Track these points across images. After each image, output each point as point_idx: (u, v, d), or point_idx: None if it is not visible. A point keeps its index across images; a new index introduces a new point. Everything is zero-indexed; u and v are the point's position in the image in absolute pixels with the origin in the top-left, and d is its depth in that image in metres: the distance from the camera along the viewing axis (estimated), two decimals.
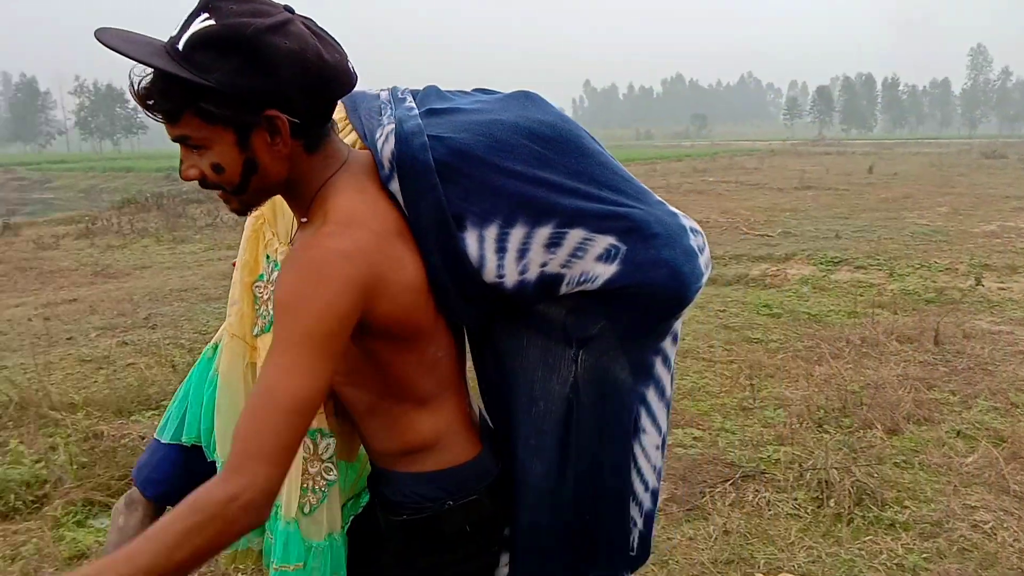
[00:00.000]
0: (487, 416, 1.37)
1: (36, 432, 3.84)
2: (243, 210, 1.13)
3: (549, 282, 1.19)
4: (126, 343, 5.91)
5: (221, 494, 0.91)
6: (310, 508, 1.27)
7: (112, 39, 0.98)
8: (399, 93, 1.28)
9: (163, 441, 1.40)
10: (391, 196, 1.15)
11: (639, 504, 1.35)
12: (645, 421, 1.31)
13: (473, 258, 1.15)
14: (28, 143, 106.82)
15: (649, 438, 1.32)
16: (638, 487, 1.34)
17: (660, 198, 1.28)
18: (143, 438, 3.71)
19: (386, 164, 1.15)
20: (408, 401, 1.20)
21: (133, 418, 4.17)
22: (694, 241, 1.26)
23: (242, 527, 0.93)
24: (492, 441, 1.32)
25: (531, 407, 1.26)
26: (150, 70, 0.98)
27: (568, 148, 1.20)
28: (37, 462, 3.53)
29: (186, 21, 1.00)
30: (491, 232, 1.15)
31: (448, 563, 1.25)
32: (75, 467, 3.41)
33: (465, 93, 1.31)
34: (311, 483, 1.27)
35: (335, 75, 1.05)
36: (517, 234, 1.16)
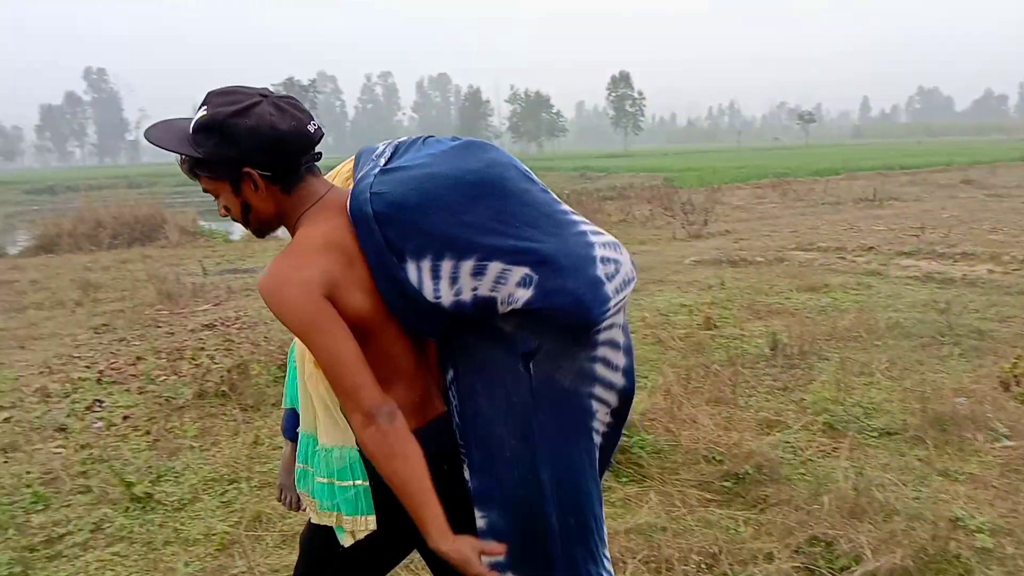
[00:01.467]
0: (458, 418, 1.57)
1: None
2: (257, 234, 1.56)
3: (484, 302, 1.45)
4: None
5: (358, 431, 1.42)
6: (334, 451, 1.56)
7: (154, 134, 1.48)
8: (382, 149, 1.59)
9: (286, 407, 1.84)
10: None
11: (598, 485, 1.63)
12: (599, 408, 1.59)
13: (413, 283, 1.44)
14: None
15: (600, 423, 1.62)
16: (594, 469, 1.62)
17: (584, 229, 1.51)
18: None
19: (350, 206, 1.48)
20: None
21: None
22: (602, 270, 1.48)
23: (383, 436, 1.39)
24: (439, 426, 1.58)
25: (511, 416, 1.52)
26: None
27: (490, 193, 1.46)
28: None
29: (197, 111, 1.44)
30: (425, 264, 1.44)
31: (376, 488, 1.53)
32: None
33: (423, 143, 1.59)
34: (331, 423, 1.56)
35: (288, 139, 1.41)
36: (447, 265, 1.43)
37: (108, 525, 3.32)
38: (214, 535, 3.21)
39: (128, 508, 3.45)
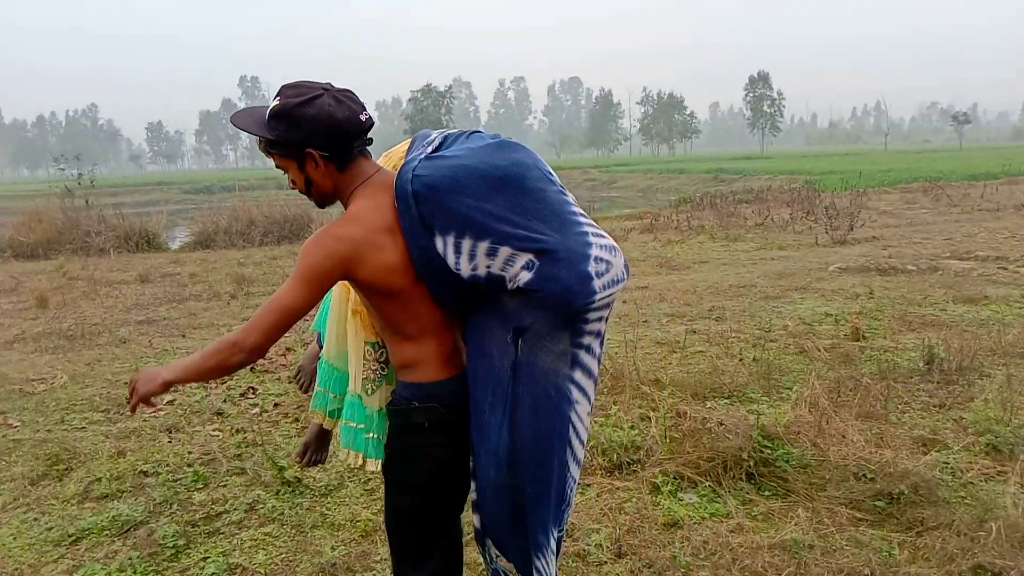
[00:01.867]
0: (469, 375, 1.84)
1: (630, 402, 4.26)
2: (319, 205, 1.86)
3: (496, 278, 1.71)
4: (694, 331, 6.25)
5: (232, 338, 1.66)
6: (371, 390, 1.92)
7: (239, 119, 1.80)
8: (434, 137, 1.88)
9: (314, 330, 2.22)
10: None
11: (577, 463, 1.86)
12: (577, 394, 1.78)
13: (440, 252, 1.72)
14: (599, 148, 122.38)
15: (582, 407, 1.81)
16: (576, 447, 1.83)
17: (586, 230, 1.74)
18: (721, 424, 3.82)
19: (396, 183, 1.77)
20: (398, 334, 1.83)
21: (709, 404, 4.36)
22: (593, 267, 1.70)
23: (234, 364, 1.67)
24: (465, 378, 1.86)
25: (493, 383, 1.77)
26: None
27: (510, 187, 1.72)
28: (632, 428, 3.91)
29: (272, 100, 1.75)
30: (450, 239, 1.71)
31: (412, 445, 1.87)
32: (667, 440, 3.66)
33: (468, 137, 1.87)
34: (370, 374, 1.92)
35: (343, 126, 1.71)
36: (466, 243, 1.70)
37: (261, 506, 3.51)
38: (358, 521, 3.33)
39: (279, 491, 3.64)
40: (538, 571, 1.84)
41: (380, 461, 1.92)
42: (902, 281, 8.19)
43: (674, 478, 3.44)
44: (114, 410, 5.02)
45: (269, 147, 1.77)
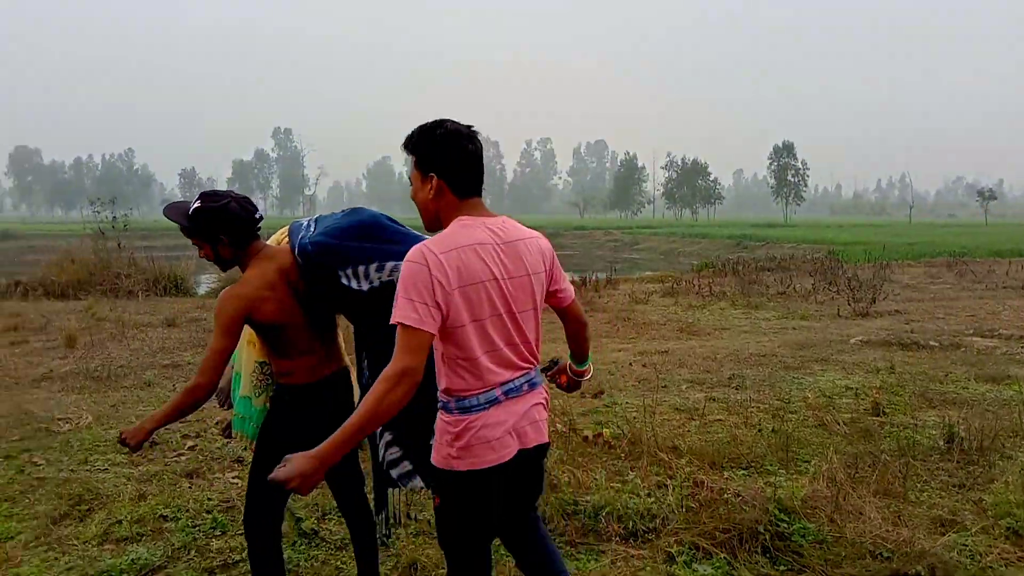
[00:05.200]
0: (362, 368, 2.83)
1: (647, 468, 4.27)
2: (223, 269, 2.86)
3: (387, 283, 2.61)
4: (713, 399, 6.25)
5: (190, 385, 2.54)
6: (258, 394, 2.89)
7: (171, 212, 2.77)
8: (307, 223, 2.85)
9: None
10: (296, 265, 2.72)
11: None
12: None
13: (346, 284, 2.66)
14: (623, 210, 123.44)
15: None
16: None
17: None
18: (738, 495, 3.82)
19: (296, 254, 2.71)
20: (279, 355, 2.76)
21: (726, 474, 4.36)
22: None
23: (199, 400, 2.55)
24: (330, 380, 2.85)
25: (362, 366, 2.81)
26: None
27: (373, 229, 2.74)
28: (649, 496, 3.91)
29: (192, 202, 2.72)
30: (348, 271, 2.65)
31: (290, 414, 2.79)
32: (683, 510, 3.67)
33: (329, 216, 2.87)
34: (256, 383, 2.89)
35: (243, 221, 2.69)
36: (362, 269, 2.65)
37: None
38: None
39: (296, 542, 3.67)
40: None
41: (251, 440, 2.90)
42: (924, 356, 8.15)
43: (690, 548, 3.44)
44: (136, 453, 5.09)
45: (191, 233, 2.67)
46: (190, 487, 4.45)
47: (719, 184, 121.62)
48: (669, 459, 4.40)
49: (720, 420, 5.62)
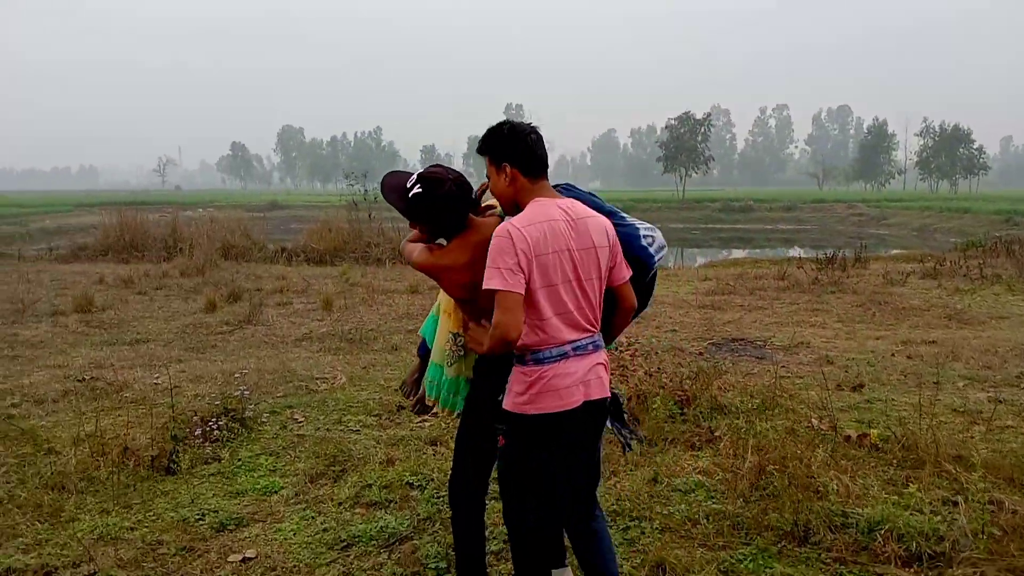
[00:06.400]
0: None
1: (929, 480, 3.71)
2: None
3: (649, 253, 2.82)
4: (1000, 400, 5.40)
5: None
6: (449, 363, 2.79)
7: (387, 187, 2.73)
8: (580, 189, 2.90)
9: (421, 334, 3.05)
10: None
11: None
12: None
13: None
14: (869, 182, 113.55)
15: None
16: None
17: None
18: None
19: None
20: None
21: None
22: (646, 241, 2.71)
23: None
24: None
25: None
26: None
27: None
28: (935, 514, 3.38)
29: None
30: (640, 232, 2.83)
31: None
32: (984, 536, 3.12)
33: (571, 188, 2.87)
34: (450, 352, 2.78)
35: (457, 202, 2.59)
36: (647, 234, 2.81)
37: None
38: (620, 573, 3.16)
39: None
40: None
41: (443, 407, 2.88)
42: None
43: None
44: (385, 416, 5.31)
45: (410, 216, 2.63)
46: (434, 455, 4.52)
47: (984, 153, 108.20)
48: (956, 471, 3.79)
49: (1012, 427, 4.83)
